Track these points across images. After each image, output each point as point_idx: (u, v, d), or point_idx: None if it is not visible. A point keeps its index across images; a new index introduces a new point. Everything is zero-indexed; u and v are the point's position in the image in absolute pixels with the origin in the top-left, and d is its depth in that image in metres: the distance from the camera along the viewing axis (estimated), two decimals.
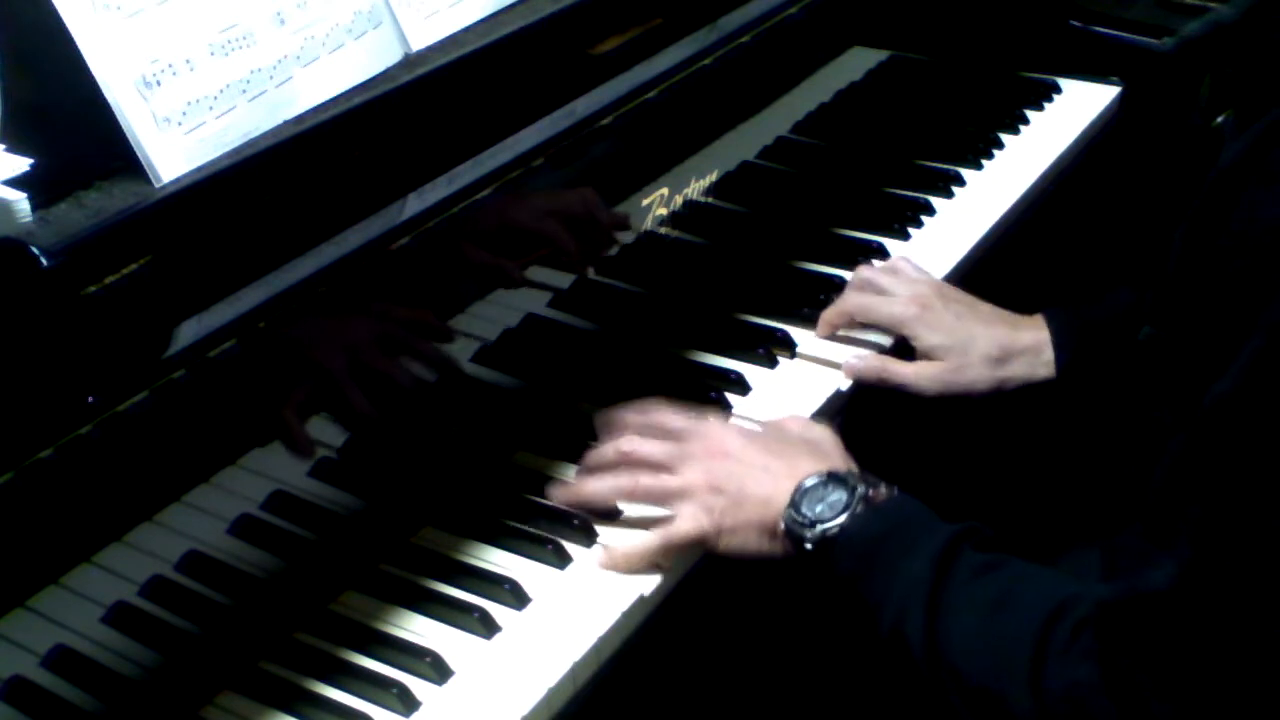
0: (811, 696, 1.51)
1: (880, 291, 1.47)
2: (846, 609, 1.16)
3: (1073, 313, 1.45)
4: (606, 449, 1.27)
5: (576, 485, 1.26)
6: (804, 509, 1.17)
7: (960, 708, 1.07)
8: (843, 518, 1.15)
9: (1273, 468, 0.94)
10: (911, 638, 1.10)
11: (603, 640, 1.15)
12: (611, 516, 1.25)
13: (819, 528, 1.16)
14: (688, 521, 1.21)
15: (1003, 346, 1.42)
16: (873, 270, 1.51)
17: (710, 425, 1.28)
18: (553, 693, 1.10)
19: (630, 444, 1.26)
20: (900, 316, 1.44)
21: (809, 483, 1.18)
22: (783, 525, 1.18)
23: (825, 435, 1.28)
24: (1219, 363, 0.99)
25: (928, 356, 1.43)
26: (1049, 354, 1.42)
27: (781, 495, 1.18)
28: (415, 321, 1.37)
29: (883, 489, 1.18)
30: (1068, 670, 1.01)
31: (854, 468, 1.22)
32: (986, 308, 1.48)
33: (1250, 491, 0.95)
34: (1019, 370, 1.42)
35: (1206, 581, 0.97)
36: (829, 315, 1.47)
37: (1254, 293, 0.99)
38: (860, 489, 1.17)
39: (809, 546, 1.16)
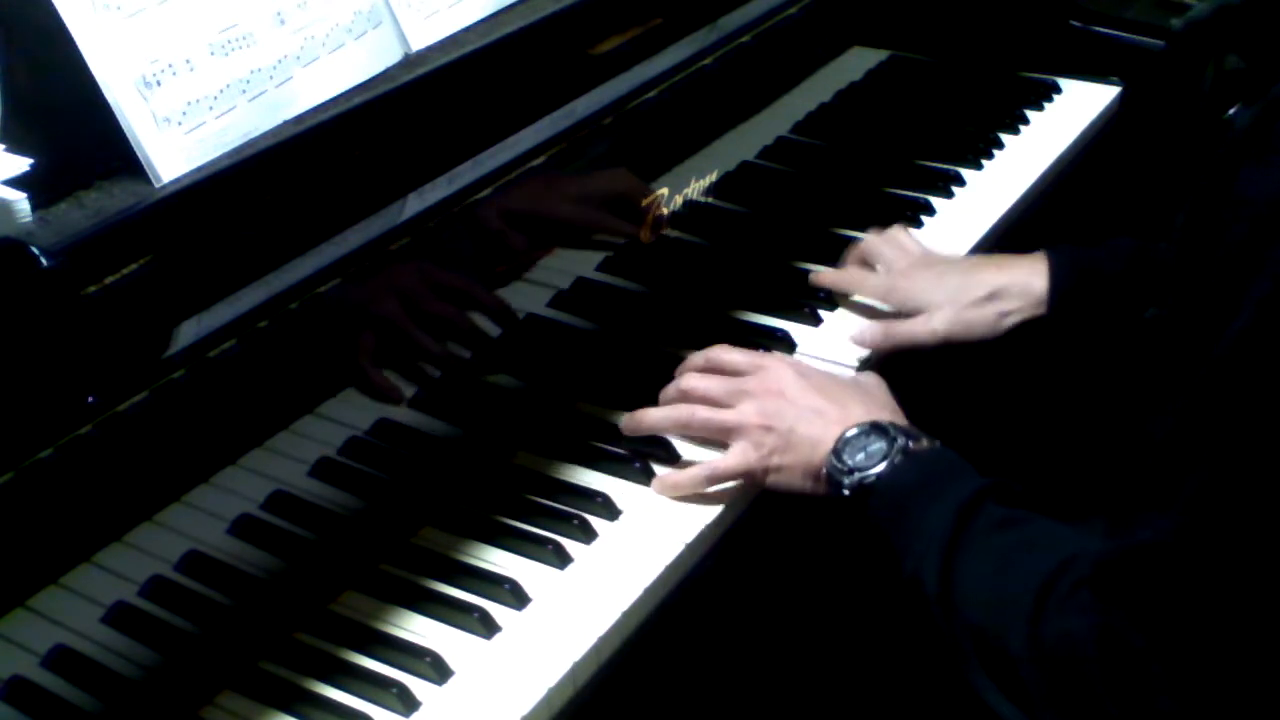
0: (807, 700, 1.51)
1: (873, 266, 1.53)
2: (874, 557, 1.20)
3: (1073, 250, 1.49)
4: (670, 387, 1.33)
5: (640, 415, 1.31)
6: (845, 456, 1.22)
7: (970, 652, 1.11)
8: (880, 467, 1.20)
9: (1261, 432, 0.98)
10: (927, 583, 1.13)
11: (603, 640, 1.15)
12: (673, 459, 1.31)
13: (857, 475, 1.21)
14: (736, 456, 1.26)
15: (991, 286, 1.46)
16: (866, 243, 1.56)
17: (769, 362, 1.33)
18: (553, 693, 1.10)
19: (690, 380, 1.32)
20: (884, 287, 1.49)
21: (852, 432, 1.23)
22: (824, 470, 1.23)
23: (879, 388, 1.33)
24: (1218, 336, 1.01)
25: (923, 314, 1.47)
26: (1040, 288, 1.46)
27: (829, 439, 1.23)
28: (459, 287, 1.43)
29: (924, 441, 1.22)
30: (1062, 621, 1.04)
31: (900, 419, 1.26)
32: (976, 259, 1.54)
33: (1242, 453, 0.98)
34: (1012, 305, 1.46)
35: (1198, 536, 1.00)
36: (828, 276, 1.54)
37: (1248, 264, 1.01)
38: (900, 440, 1.21)
39: (846, 492, 1.21)
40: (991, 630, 1.08)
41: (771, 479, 1.26)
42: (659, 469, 1.30)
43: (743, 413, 1.28)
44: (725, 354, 1.34)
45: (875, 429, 1.22)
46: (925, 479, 1.19)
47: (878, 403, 1.29)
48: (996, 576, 1.10)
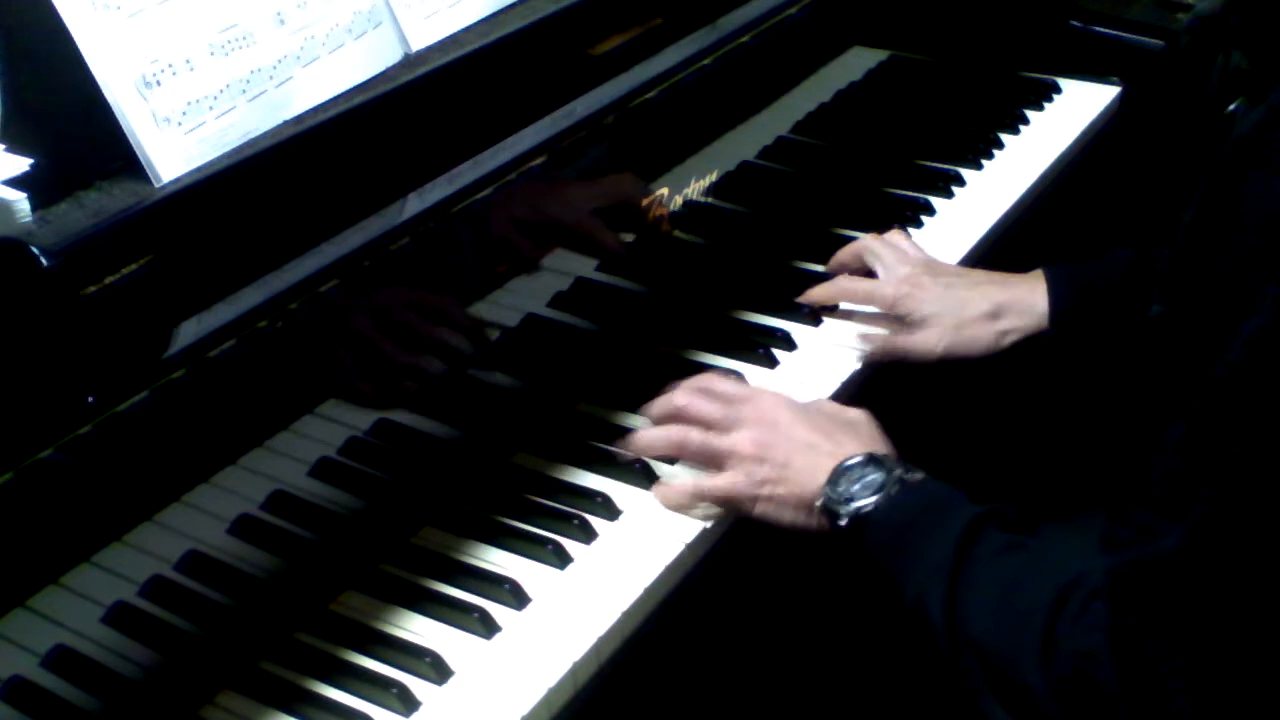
0: (807, 700, 1.51)
1: (866, 268, 1.52)
2: (873, 586, 1.19)
3: (1070, 268, 1.48)
4: (662, 401, 1.32)
5: (634, 438, 1.31)
6: (841, 487, 1.21)
7: (979, 679, 1.10)
8: (877, 498, 1.19)
9: (1274, 442, 0.97)
10: (932, 612, 1.12)
11: (603, 640, 1.15)
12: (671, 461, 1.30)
13: (853, 505, 1.19)
14: (726, 480, 1.26)
15: (995, 303, 1.46)
16: (865, 244, 1.54)
17: (763, 394, 1.33)
18: (553, 693, 1.10)
19: (686, 398, 1.31)
20: (891, 297, 1.48)
21: (848, 463, 1.22)
22: (819, 502, 1.22)
23: (868, 421, 1.31)
24: (1225, 341, 1.01)
25: (925, 327, 1.46)
26: (1042, 306, 1.45)
27: (822, 473, 1.22)
28: (439, 307, 1.42)
29: (918, 474, 1.21)
30: (1076, 640, 1.03)
31: (892, 451, 1.25)
32: (979, 274, 1.52)
33: (1254, 464, 0.97)
34: (1013, 324, 1.46)
35: (1214, 547, 0.99)
36: (817, 294, 1.51)
37: (1256, 273, 1.01)
38: (897, 471, 1.20)
39: (843, 523, 1.20)
40: (1002, 655, 1.07)
41: (760, 509, 1.25)
42: (659, 470, 1.29)
43: (737, 440, 1.26)
44: (715, 383, 1.34)
45: (871, 460, 1.22)
46: (924, 509, 1.18)
47: (868, 436, 1.28)
48: (1004, 600, 1.09)
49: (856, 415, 1.32)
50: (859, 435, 1.27)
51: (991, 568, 1.12)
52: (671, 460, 1.31)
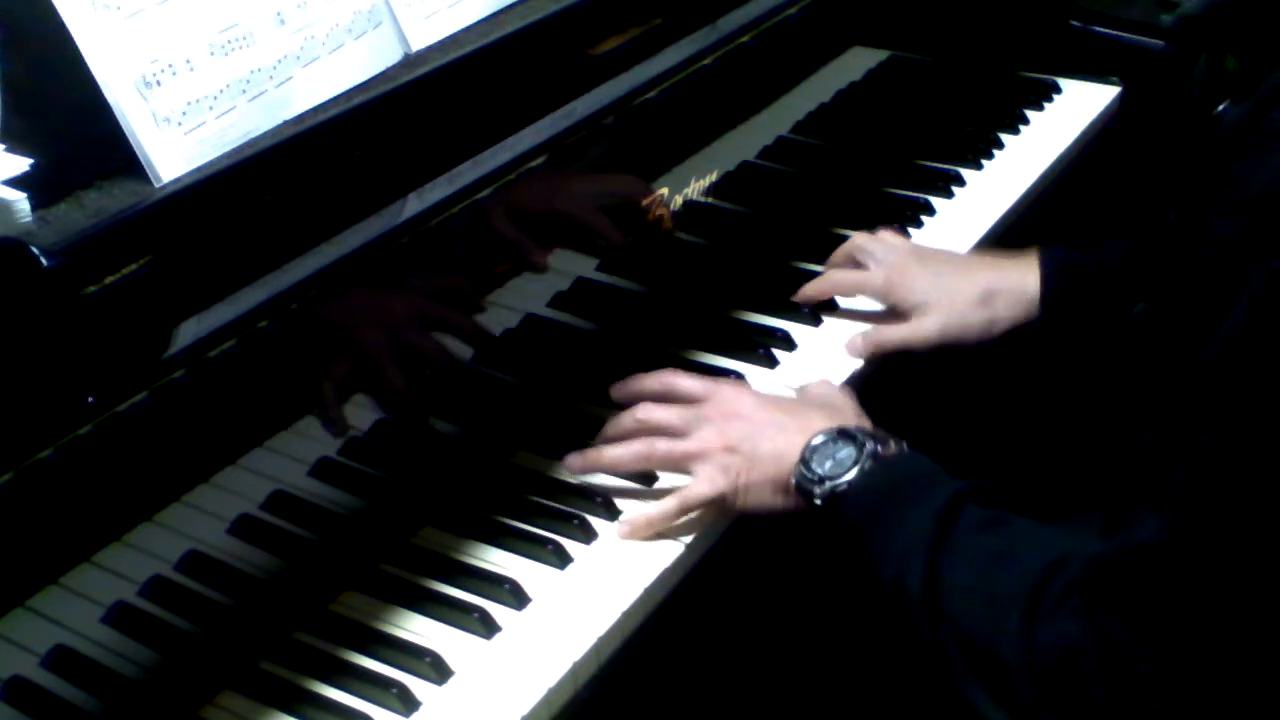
0: (807, 699, 1.51)
1: (859, 266, 1.51)
2: (850, 565, 1.18)
3: (1065, 250, 1.48)
4: (624, 417, 1.29)
5: (594, 453, 1.28)
6: (813, 465, 1.19)
7: (958, 657, 1.09)
8: (851, 474, 1.18)
9: (1255, 430, 0.97)
10: (911, 589, 1.11)
11: (603, 640, 1.15)
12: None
13: (827, 484, 1.18)
14: (704, 483, 1.23)
15: (985, 288, 1.45)
16: (855, 243, 1.54)
17: (724, 388, 1.31)
18: (553, 693, 1.10)
19: (646, 411, 1.28)
20: (880, 286, 1.48)
21: (818, 440, 1.20)
22: (793, 481, 1.20)
23: (840, 396, 1.31)
24: (1210, 331, 1.01)
25: (918, 315, 1.46)
26: (1033, 289, 1.45)
27: (793, 451, 1.21)
28: (448, 291, 1.41)
29: (892, 445, 1.20)
30: (1057, 626, 1.03)
31: (866, 424, 1.24)
32: (971, 258, 1.52)
33: (1232, 450, 0.98)
34: (1005, 310, 1.45)
35: (1189, 537, 0.99)
36: (810, 290, 1.51)
37: (1241, 259, 1.00)
38: (869, 445, 1.19)
39: (818, 502, 1.19)
40: (982, 634, 1.07)
41: (742, 500, 1.23)
42: (603, 531, 1.25)
43: (703, 439, 1.24)
44: (679, 381, 1.31)
45: (842, 435, 1.20)
46: (899, 483, 1.17)
47: (841, 411, 1.26)
48: (984, 579, 1.08)
49: (829, 393, 1.31)
50: (830, 411, 1.26)
51: (971, 544, 1.11)
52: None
